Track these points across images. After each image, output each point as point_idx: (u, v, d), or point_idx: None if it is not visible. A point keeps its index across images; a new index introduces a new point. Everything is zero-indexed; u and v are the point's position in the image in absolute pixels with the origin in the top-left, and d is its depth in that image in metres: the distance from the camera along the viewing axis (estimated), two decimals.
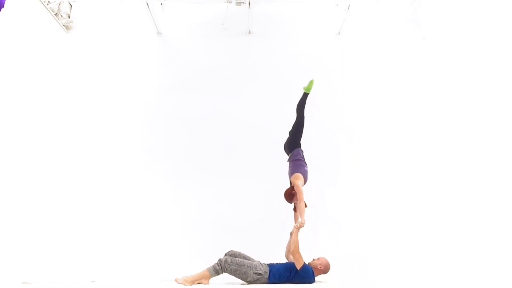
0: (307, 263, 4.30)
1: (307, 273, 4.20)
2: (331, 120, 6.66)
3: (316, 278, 4.40)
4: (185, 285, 4.07)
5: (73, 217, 5.97)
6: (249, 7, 6.65)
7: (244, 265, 4.16)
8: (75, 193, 6.13)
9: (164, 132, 6.58)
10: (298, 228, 4.30)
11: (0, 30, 5.20)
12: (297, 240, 4.24)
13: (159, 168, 6.38)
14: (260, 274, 4.17)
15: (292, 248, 4.24)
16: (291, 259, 4.41)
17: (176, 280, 4.19)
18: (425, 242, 5.79)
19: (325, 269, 4.37)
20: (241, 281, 4.29)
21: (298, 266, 4.19)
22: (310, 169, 6.34)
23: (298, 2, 7.10)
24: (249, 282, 4.20)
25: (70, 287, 4.85)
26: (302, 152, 4.99)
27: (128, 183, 6.26)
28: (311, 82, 5.20)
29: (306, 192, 6.17)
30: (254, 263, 4.25)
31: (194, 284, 4.14)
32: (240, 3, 6.66)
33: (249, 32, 7.15)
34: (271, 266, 4.29)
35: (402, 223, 5.96)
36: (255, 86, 6.85)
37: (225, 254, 4.33)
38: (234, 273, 4.17)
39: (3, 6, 3.71)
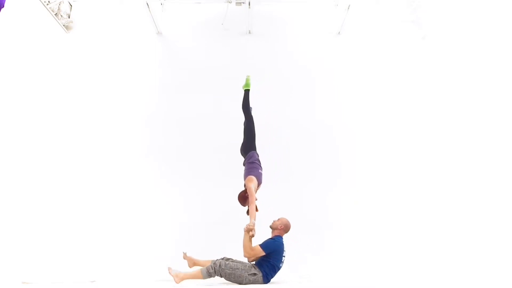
0: (269, 226, 4.49)
1: (269, 246, 4.29)
2: (331, 120, 6.65)
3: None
4: (175, 279, 4.08)
5: (73, 217, 5.97)
6: (249, 7, 6.65)
7: (238, 269, 4.19)
8: (75, 193, 6.13)
9: (164, 131, 6.58)
10: (247, 231, 4.30)
11: (0, 30, 5.20)
12: (246, 243, 4.25)
13: (159, 168, 6.38)
14: (255, 274, 4.20)
15: (244, 253, 4.26)
16: (250, 256, 4.39)
17: (169, 269, 4.21)
18: (425, 242, 5.79)
19: (286, 228, 4.49)
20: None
21: (261, 253, 4.25)
22: (309, 168, 6.40)
23: (298, 2, 7.10)
24: (246, 284, 4.22)
25: (70, 287, 4.86)
26: (257, 155, 4.99)
27: (128, 183, 6.26)
28: (247, 79, 5.33)
29: (307, 191, 6.22)
30: (247, 265, 4.26)
31: (183, 280, 4.15)
32: (240, 3, 6.66)
33: (249, 32, 7.15)
34: (259, 266, 4.30)
35: (402, 223, 5.96)
36: (255, 86, 6.80)
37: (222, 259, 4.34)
38: (228, 277, 4.20)
39: (3, 6, 3.71)
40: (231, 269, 4.15)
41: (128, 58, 6.94)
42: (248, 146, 5.03)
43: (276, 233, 4.46)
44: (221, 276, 4.19)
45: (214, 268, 4.17)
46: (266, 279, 4.26)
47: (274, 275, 4.31)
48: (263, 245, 4.29)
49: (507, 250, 5.43)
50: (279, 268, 4.34)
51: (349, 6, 6.68)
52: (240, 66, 6.91)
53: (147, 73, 6.90)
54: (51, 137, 6.34)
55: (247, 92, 5.30)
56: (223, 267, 4.15)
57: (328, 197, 6.21)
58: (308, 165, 6.44)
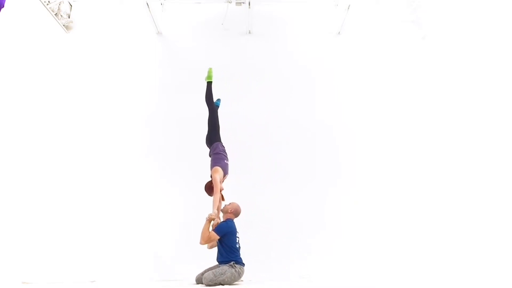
0: (221, 209, 4.73)
1: (222, 229, 4.51)
2: (331, 120, 6.65)
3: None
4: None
5: (73, 217, 5.96)
6: (249, 7, 6.66)
7: (226, 271, 4.34)
8: (75, 193, 6.12)
9: (164, 131, 6.58)
10: (208, 219, 4.49)
11: (0, 30, 5.20)
12: (205, 231, 4.47)
13: (159, 168, 6.38)
14: (231, 266, 4.37)
15: (201, 240, 4.48)
16: (210, 245, 4.65)
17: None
18: (425, 242, 5.79)
19: (235, 212, 4.71)
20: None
21: (216, 237, 4.48)
22: (309, 169, 6.39)
23: (298, 2, 7.10)
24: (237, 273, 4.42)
25: (70, 287, 4.86)
26: (222, 145, 5.09)
27: (128, 183, 6.25)
28: (210, 70, 5.36)
29: (307, 191, 6.22)
30: (223, 266, 4.42)
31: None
32: (240, 3, 6.66)
33: (249, 32, 7.15)
34: (224, 262, 4.47)
35: (402, 223, 5.96)
36: (255, 86, 6.85)
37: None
38: (227, 281, 4.32)
39: (3, 6, 3.70)
40: (221, 275, 4.31)
41: (128, 58, 6.93)
42: (212, 138, 5.12)
43: (227, 216, 4.68)
44: (223, 284, 4.33)
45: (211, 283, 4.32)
46: (241, 262, 4.51)
47: (239, 255, 4.55)
48: (216, 229, 4.51)
49: (507, 250, 5.43)
50: (237, 249, 4.55)
51: (349, 6, 6.67)
52: (240, 66, 6.92)
53: (147, 73, 6.89)
54: (51, 137, 6.34)
55: (209, 84, 5.33)
56: (216, 279, 4.28)
57: (328, 197, 6.20)
58: (308, 165, 6.44)
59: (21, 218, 5.53)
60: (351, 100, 6.77)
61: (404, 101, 6.71)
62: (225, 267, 4.37)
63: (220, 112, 6.66)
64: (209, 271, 4.38)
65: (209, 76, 5.35)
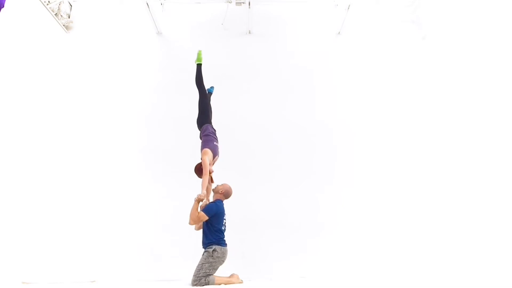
0: (212, 189, 4.81)
1: (210, 210, 4.55)
2: (331, 120, 6.65)
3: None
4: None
5: (73, 217, 5.96)
6: (249, 7, 6.66)
7: (201, 266, 4.40)
8: (75, 193, 6.12)
9: (162, 131, 6.58)
10: (197, 200, 4.55)
11: (0, 30, 5.20)
12: (193, 211, 4.53)
13: (159, 168, 6.38)
14: (212, 250, 4.41)
15: (190, 221, 4.55)
16: (198, 226, 4.71)
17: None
18: (424, 242, 5.80)
19: (226, 193, 4.77)
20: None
21: (205, 218, 4.52)
22: (308, 168, 6.39)
23: (298, 2, 7.10)
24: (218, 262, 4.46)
25: (70, 287, 4.86)
26: (212, 127, 5.14)
27: (128, 183, 6.25)
28: (199, 53, 5.42)
29: (307, 191, 6.22)
30: (202, 258, 4.47)
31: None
32: (240, 3, 6.66)
33: (249, 32, 7.15)
34: (206, 245, 4.53)
35: (401, 223, 5.96)
36: (255, 86, 6.85)
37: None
38: (210, 271, 4.38)
39: (3, 6, 3.71)
40: (200, 270, 4.35)
41: (128, 58, 6.93)
42: (203, 120, 5.18)
43: (217, 197, 4.75)
44: (208, 274, 4.39)
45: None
46: (223, 243, 4.54)
47: (223, 237, 4.59)
48: (205, 210, 4.55)
49: (507, 250, 5.43)
50: (222, 231, 4.59)
51: (349, 6, 6.68)
52: (240, 66, 6.91)
53: (147, 73, 6.89)
54: (51, 137, 6.34)
55: (199, 66, 5.38)
56: (197, 277, 4.34)
57: (327, 197, 6.20)
58: (307, 165, 6.44)
59: (21, 218, 5.54)
60: (351, 100, 6.77)
61: (404, 101, 6.72)
62: (201, 260, 4.43)
63: (220, 112, 6.68)
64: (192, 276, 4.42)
65: (199, 58, 5.40)
